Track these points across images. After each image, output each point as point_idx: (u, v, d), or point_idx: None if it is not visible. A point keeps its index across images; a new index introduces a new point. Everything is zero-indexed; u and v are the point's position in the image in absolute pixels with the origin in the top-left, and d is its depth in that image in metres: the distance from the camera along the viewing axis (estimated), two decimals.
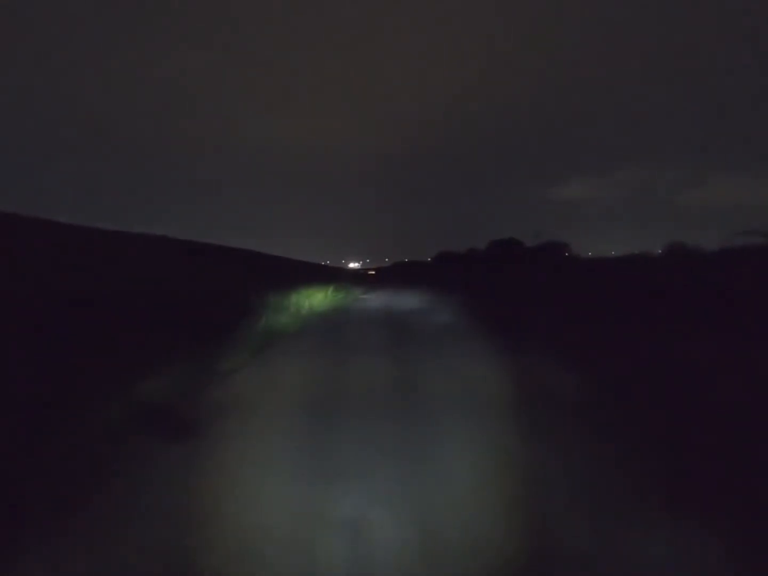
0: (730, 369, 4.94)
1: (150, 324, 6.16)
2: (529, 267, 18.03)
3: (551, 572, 2.40)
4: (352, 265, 63.49)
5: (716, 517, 2.80)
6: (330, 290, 17.77)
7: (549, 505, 2.97)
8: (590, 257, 18.31)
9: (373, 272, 52.57)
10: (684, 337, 6.10)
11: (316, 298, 15.17)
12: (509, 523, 2.76)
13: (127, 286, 7.99)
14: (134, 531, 2.71)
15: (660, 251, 12.01)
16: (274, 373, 6.38)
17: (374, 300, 19.27)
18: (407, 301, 17.74)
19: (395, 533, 2.65)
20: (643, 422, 4.30)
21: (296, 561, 2.44)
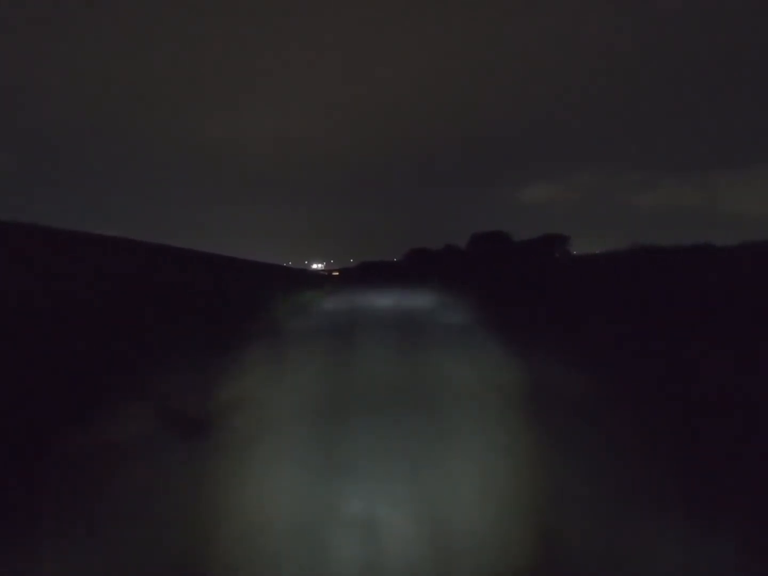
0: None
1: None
2: (528, 263, 17.85)
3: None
4: (316, 266, 61.62)
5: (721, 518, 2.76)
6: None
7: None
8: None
9: (338, 273, 52.08)
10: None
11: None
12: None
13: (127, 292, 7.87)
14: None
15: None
16: None
17: (345, 301, 18.27)
18: (382, 301, 16.87)
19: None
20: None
21: None
